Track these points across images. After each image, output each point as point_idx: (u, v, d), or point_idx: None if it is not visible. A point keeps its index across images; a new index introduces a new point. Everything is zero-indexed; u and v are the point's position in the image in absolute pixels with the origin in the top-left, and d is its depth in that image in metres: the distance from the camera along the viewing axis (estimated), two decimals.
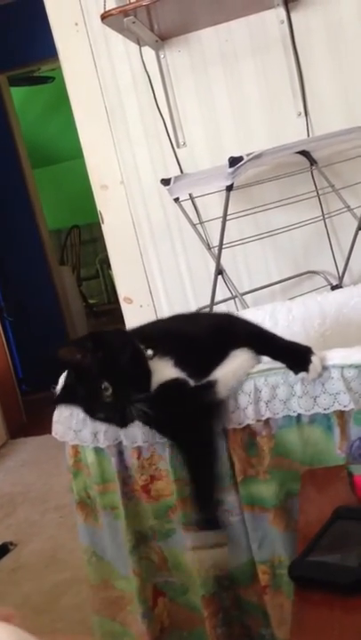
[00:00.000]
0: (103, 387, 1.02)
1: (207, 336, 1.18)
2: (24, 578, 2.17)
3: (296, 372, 1.10)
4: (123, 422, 1.06)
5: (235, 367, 1.14)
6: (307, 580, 0.76)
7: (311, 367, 1.09)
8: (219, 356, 1.14)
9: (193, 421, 1.11)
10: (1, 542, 2.37)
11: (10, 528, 2.55)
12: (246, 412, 1.13)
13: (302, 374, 1.10)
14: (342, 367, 1.09)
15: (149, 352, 1.08)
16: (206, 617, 1.21)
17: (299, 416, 1.13)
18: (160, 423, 1.13)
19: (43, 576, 2.15)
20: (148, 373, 1.07)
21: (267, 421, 1.13)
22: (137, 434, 1.18)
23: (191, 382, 1.10)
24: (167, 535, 1.24)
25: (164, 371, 1.09)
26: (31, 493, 2.84)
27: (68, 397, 1.11)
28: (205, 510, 1.11)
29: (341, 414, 1.10)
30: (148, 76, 2.27)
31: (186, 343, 1.15)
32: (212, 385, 1.11)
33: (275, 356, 1.14)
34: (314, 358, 1.09)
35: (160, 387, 1.08)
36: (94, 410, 1.07)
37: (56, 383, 1.30)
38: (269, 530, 1.15)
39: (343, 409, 1.09)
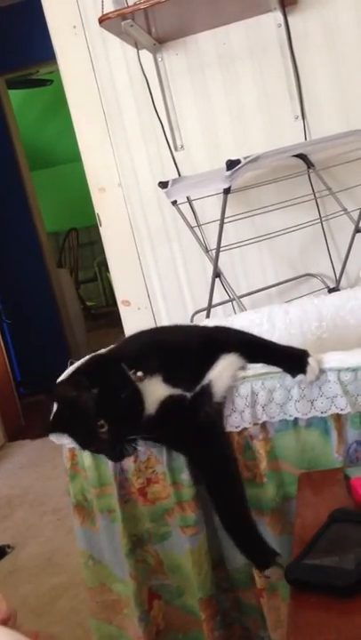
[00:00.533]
0: (99, 424, 1.00)
1: (195, 345, 1.16)
2: (21, 580, 2.16)
3: (293, 376, 1.10)
4: (118, 458, 1.06)
5: (226, 366, 1.12)
6: (303, 583, 0.76)
7: (309, 369, 1.09)
8: (209, 363, 1.12)
9: (200, 436, 1.09)
10: None
11: (7, 531, 2.54)
12: (243, 415, 1.13)
13: (300, 377, 1.10)
14: (339, 370, 1.09)
15: (139, 374, 1.05)
16: (204, 620, 1.21)
17: (296, 419, 1.13)
18: (168, 443, 1.13)
19: (40, 579, 2.15)
20: (140, 403, 1.04)
21: (263, 425, 1.13)
22: None
23: (187, 395, 1.08)
24: (163, 538, 1.24)
25: (156, 390, 1.06)
26: (29, 496, 2.83)
27: (60, 427, 1.08)
28: (248, 548, 1.06)
29: (338, 417, 1.10)
30: (146, 79, 2.27)
31: (173, 355, 1.12)
32: (206, 389, 1.10)
33: (270, 362, 1.13)
34: (311, 360, 1.09)
35: (158, 409, 1.06)
36: (88, 444, 1.06)
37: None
38: (265, 533, 1.15)
39: (340, 412, 1.09)
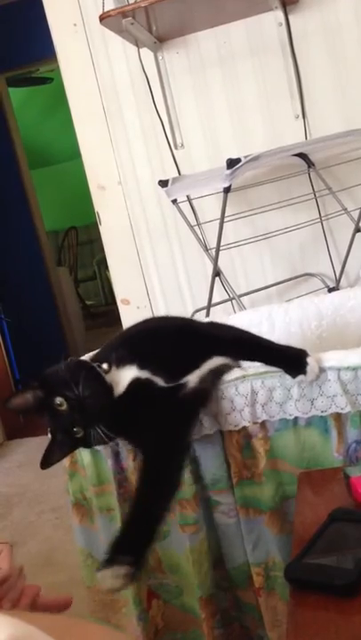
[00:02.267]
0: (57, 402, 0.99)
1: (176, 336, 1.13)
2: None
3: (294, 376, 1.10)
4: (87, 421, 1.01)
5: (207, 370, 1.10)
6: (303, 582, 0.75)
7: (309, 369, 1.08)
8: (193, 357, 1.10)
9: (160, 425, 1.06)
10: None
11: (5, 529, 2.54)
12: (242, 413, 1.13)
13: (300, 377, 1.09)
14: (339, 369, 1.09)
15: (104, 366, 1.04)
16: (204, 618, 1.21)
17: (295, 418, 1.12)
18: (127, 431, 1.09)
19: (38, 577, 2.13)
20: (101, 381, 1.02)
21: (263, 424, 1.13)
22: None
23: (159, 380, 1.05)
24: (162, 537, 1.24)
25: (125, 375, 1.04)
26: (27, 494, 2.83)
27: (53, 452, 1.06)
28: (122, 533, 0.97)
29: (338, 417, 1.10)
30: (147, 78, 2.27)
31: (150, 342, 1.11)
32: (183, 387, 1.07)
33: (269, 362, 1.12)
34: (310, 360, 1.09)
35: (123, 393, 1.03)
36: (63, 432, 1.03)
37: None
38: (264, 532, 1.15)
39: (340, 411, 1.09)
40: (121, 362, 1.05)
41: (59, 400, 0.99)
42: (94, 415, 1.00)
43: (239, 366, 1.17)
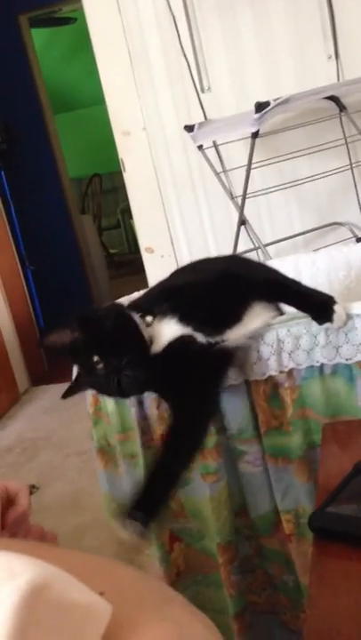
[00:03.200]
0: (95, 361, 0.98)
1: (217, 285, 1.09)
2: (46, 520, 2.23)
3: (320, 323, 1.08)
4: (120, 392, 1.02)
5: (249, 330, 1.09)
6: (326, 532, 0.76)
7: (335, 317, 1.07)
8: (235, 308, 1.08)
9: (196, 384, 1.05)
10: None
11: (32, 472, 2.61)
12: (269, 363, 1.12)
13: (327, 325, 1.08)
14: None
15: (148, 318, 1.02)
16: (221, 564, 1.23)
17: (321, 367, 1.11)
18: (161, 387, 1.09)
19: (64, 518, 2.21)
20: (141, 340, 1.01)
21: (290, 372, 1.12)
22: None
23: (200, 337, 1.03)
24: (185, 483, 1.25)
25: (167, 330, 1.03)
26: (53, 439, 2.89)
27: (78, 385, 1.07)
28: (148, 499, 0.98)
29: None
30: (173, 17, 2.19)
31: (192, 295, 1.08)
32: (221, 346, 1.05)
33: (296, 305, 1.11)
34: (337, 307, 1.07)
35: (164, 349, 1.02)
36: (94, 385, 1.05)
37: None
38: (293, 480, 1.15)
39: None
40: (163, 314, 1.03)
41: (96, 358, 0.98)
42: (131, 384, 1.00)
43: (282, 313, 1.15)
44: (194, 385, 1.05)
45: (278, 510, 1.19)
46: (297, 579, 1.20)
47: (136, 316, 1.03)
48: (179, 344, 1.03)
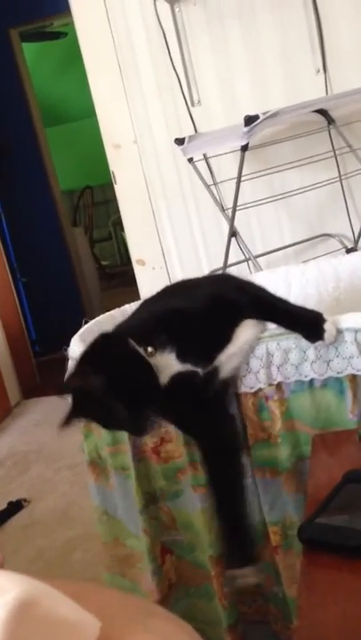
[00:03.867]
0: (116, 406, 0.99)
1: (208, 311, 1.09)
2: (37, 534, 2.21)
3: (312, 342, 1.09)
4: (141, 432, 1.05)
5: (240, 346, 1.10)
6: (316, 543, 0.76)
7: (326, 335, 1.07)
8: (224, 333, 1.09)
9: (209, 417, 1.09)
10: (15, 499, 2.41)
11: (23, 485, 2.59)
12: (258, 376, 1.13)
13: (318, 343, 1.09)
14: (356, 331, 1.08)
15: (150, 350, 1.02)
16: (213, 576, 1.23)
17: (311, 380, 1.12)
18: (179, 422, 1.12)
19: (55, 532, 2.19)
20: (153, 376, 1.02)
21: (279, 385, 1.13)
22: None
23: (199, 370, 1.05)
24: (176, 496, 1.25)
25: (168, 365, 1.03)
26: (44, 452, 2.88)
27: (78, 416, 1.06)
28: (234, 542, 1.06)
29: (354, 378, 1.10)
30: (163, 31, 2.21)
31: (185, 326, 1.07)
32: (216, 370, 1.07)
33: (287, 326, 1.11)
34: (327, 325, 1.08)
35: (167, 385, 1.03)
36: (110, 425, 1.07)
37: (67, 344, 1.30)
38: (281, 492, 1.16)
39: (356, 373, 1.08)
40: (163, 347, 1.03)
41: (115, 405, 0.99)
42: (153, 423, 1.03)
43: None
44: (204, 418, 1.08)
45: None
46: (284, 590, 1.20)
47: (140, 349, 1.02)
48: (181, 379, 1.04)
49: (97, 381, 0.99)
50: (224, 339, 1.08)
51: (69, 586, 0.49)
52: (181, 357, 1.03)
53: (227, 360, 1.08)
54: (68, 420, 1.05)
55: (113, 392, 0.99)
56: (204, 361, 1.05)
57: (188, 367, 1.04)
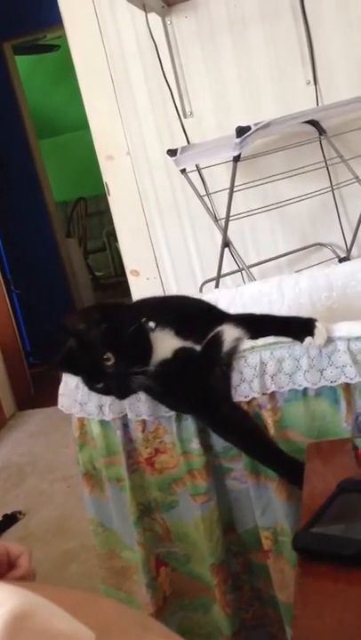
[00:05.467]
0: (105, 357, 1.03)
1: (202, 309, 1.23)
2: (33, 546, 2.20)
3: (302, 340, 1.09)
4: (122, 394, 1.09)
5: (232, 325, 1.16)
6: (311, 552, 0.76)
7: (317, 332, 1.08)
8: (216, 322, 1.17)
9: (207, 388, 1.12)
10: (10, 511, 2.40)
11: (18, 497, 2.58)
12: (252, 385, 1.13)
13: (309, 339, 1.09)
14: (349, 339, 1.08)
15: (151, 324, 1.10)
16: (216, 584, 1.23)
17: (305, 389, 1.12)
18: (164, 395, 1.14)
19: (51, 544, 2.18)
20: (149, 347, 1.08)
21: (272, 394, 1.13)
22: (142, 407, 1.18)
23: (196, 347, 1.12)
24: (170, 507, 1.25)
25: (167, 342, 1.10)
26: (39, 464, 2.87)
27: (68, 364, 1.11)
28: (280, 464, 1.10)
29: (347, 387, 1.10)
30: (155, 44, 2.23)
31: (183, 312, 1.19)
32: (218, 336, 1.13)
33: (278, 332, 1.13)
34: (318, 324, 1.09)
35: (168, 359, 1.09)
36: (95, 380, 1.08)
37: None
38: (272, 498, 1.16)
39: (350, 382, 1.09)
40: (162, 325, 1.11)
41: (109, 355, 1.03)
42: (137, 387, 1.09)
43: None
44: (209, 391, 1.13)
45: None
46: (275, 594, 1.20)
47: (143, 323, 1.10)
48: (182, 354, 1.10)
49: (98, 329, 1.05)
50: (214, 324, 1.15)
51: (68, 594, 0.49)
52: (180, 335, 1.11)
53: (221, 331, 1.13)
54: (59, 364, 1.10)
55: (109, 343, 1.04)
56: (199, 337, 1.13)
57: (187, 343, 1.11)
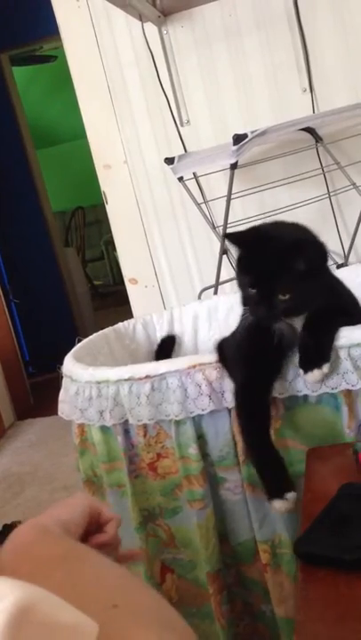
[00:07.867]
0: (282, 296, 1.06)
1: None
2: None
3: (304, 372, 1.09)
4: (267, 319, 1.09)
5: None
6: (312, 557, 0.76)
7: (310, 374, 1.08)
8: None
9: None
10: (10, 521, 2.39)
11: (18, 507, 2.57)
12: None
13: (302, 374, 1.09)
14: (349, 347, 1.09)
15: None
16: (212, 594, 1.22)
17: (306, 396, 1.12)
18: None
19: None
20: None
21: (273, 400, 1.13)
22: (143, 412, 1.18)
23: None
24: (174, 512, 1.25)
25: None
26: (39, 473, 2.86)
27: (242, 265, 1.19)
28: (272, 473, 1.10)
29: (349, 393, 1.10)
30: (151, 53, 2.24)
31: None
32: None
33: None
34: (317, 371, 1.08)
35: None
36: (246, 303, 1.13)
37: (61, 364, 1.30)
38: (270, 510, 1.15)
39: (351, 388, 1.09)
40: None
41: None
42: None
43: None
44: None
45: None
46: (273, 609, 1.19)
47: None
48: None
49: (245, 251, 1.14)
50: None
51: (113, 571, 0.49)
52: None
53: None
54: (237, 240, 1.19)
55: (250, 270, 1.12)
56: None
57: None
